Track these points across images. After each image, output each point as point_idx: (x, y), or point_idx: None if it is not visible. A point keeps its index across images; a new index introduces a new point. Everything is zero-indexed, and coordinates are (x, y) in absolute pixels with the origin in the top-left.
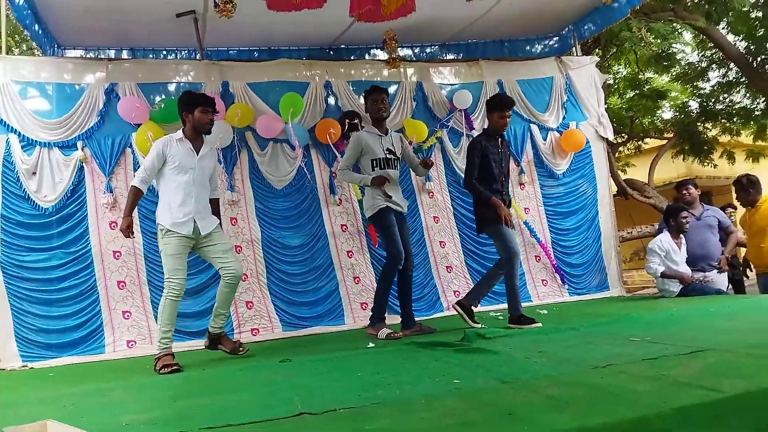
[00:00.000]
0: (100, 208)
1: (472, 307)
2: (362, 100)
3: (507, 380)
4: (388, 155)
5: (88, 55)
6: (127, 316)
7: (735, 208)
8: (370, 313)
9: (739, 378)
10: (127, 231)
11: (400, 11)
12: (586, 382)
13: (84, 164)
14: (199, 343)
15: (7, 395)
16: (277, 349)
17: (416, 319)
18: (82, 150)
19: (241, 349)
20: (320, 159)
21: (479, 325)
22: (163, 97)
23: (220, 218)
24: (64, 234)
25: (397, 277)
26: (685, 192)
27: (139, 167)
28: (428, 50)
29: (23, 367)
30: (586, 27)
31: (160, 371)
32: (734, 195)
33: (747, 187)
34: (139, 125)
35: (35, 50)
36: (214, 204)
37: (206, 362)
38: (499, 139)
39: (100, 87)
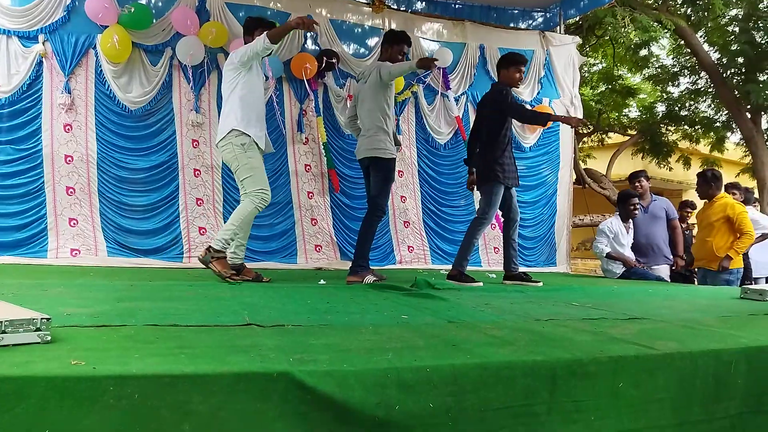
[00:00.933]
0: (56, 107)
1: (518, 271)
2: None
3: (453, 320)
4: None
5: None
6: (74, 223)
7: (694, 207)
8: (325, 258)
9: (671, 341)
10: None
11: None
12: (528, 329)
13: (44, 59)
14: (149, 262)
15: None
16: None
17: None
18: (43, 44)
19: (264, 279)
20: (292, 94)
21: (540, 283)
22: (135, 1)
23: None
24: (15, 129)
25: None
26: (637, 184)
27: (101, 71)
28: (415, 5)
29: None
30: (573, 7)
31: (231, 280)
32: (696, 187)
33: (710, 180)
34: (105, 27)
35: None
36: None
37: (157, 278)
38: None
39: None
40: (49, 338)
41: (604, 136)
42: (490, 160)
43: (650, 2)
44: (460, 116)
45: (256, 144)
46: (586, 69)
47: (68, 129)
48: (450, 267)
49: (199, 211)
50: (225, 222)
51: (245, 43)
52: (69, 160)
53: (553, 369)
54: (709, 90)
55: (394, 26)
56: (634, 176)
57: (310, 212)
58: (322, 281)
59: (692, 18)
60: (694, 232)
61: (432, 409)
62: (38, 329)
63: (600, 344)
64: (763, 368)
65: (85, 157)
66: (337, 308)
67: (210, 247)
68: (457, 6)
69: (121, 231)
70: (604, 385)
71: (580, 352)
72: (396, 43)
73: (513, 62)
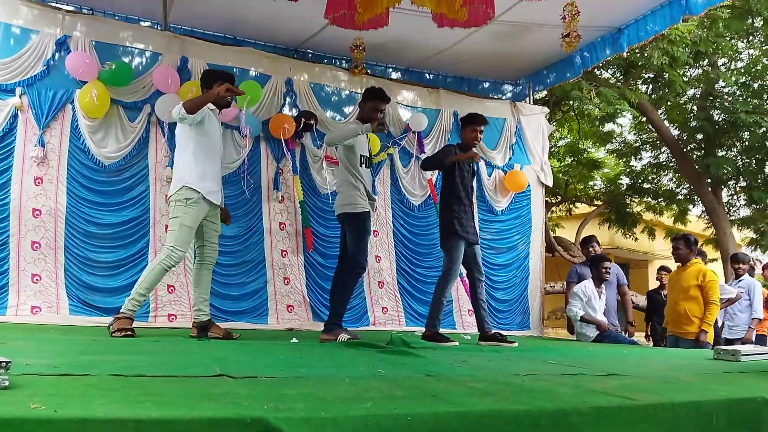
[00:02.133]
0: (28, 160)
1: (493, 332)
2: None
3: (431, 374)
4: (368, 156)
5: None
6: (36, 279)
7: (669, 271)
8: (297, 318)
9: (652, 394)
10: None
11: (373, 22)
12: (508, 382)
13: (19, 112)
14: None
15: None
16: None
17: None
18: (20, 97)
19: (234, 336)
20: (269, 153)
21: (515, 343)
22: (115, 59)
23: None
24: None
25: (334, 279)
26: (590, 249)
27: (77, 125)
28: (392, 75)
29: None
30: (539, 79)
31: (113, 333)
32: (673, 250)
33: (692, 243)
34: (85, 82)
35: None
36: None
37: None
38: (468, 156)
39: (53, 36)
40: (7, 383)
41: (571, 206)
42: (446, 216)
43: (612, 81)
44: (433, 180)
45: (206, 200)
46: (553, 143)
47: (39, 182)
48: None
49: None
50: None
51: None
52: (37, 214)
53: (536, 418)
54: (671, 164)
55: None
56: (587, 242)
57: (283, 271)
58: (294, 339)
59: (653, 95)
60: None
61: None
62: None
63: (582, 396)
64: (744, 421)
65: (54, 210)
66: (311, 362)
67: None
68: (431, 76)
69: (85, 288)
70: None
71: (562, 402)
72: (370, 99)
73: (470, 121)
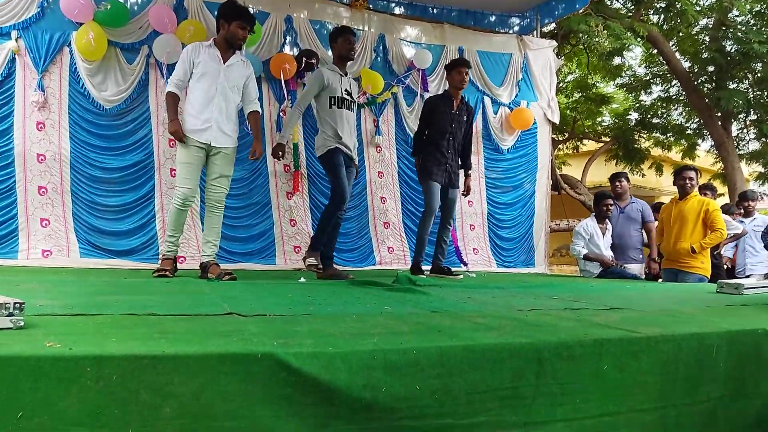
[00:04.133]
0: (29, 105)
1: (441, 267)
2: (321, 40)
3: (436, 311)
4: (345, 96)
5: None
6: (45, 224)
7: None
8: (302, 257)
9: (654, 326)
10: (179, 133)
11: None
12: (512, 317)
13: (16, 56)
14: (122, 263)
15: None
16: None
17: (349, 269)
18: (16, 41)
19: (226, 277)
20: (270, 94)
21: (461, 276)
22: None
23: (258, 132)
24: None
25: None
26: (617, 183)
27: (76, 69)
28: (394, 9)
29: None
30: (549, 12)
31: (153, 275)
32: (684, 180)
33: (697, 176)
34: (81, 24)
35: None
36: (253, 117)
37: (130, 277)
38: (460, 104)
39: None
40: (22, 323)
41: (578, 143)
42: (423, 159)
43: (623, 12)
44: None
45: (192, 137)
46: (560, 78)
47: (41, 127)
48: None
49: None
50: (201, 222)
51: (218, 31)
52: (41, 159)
53: (539, 351)
54: (681, 98)
55: (373, 29)
56: (616, 176)
57: (289, 213)
58: (302, 279)
59: (664, 26)
60: None
61: (419, 391)
62: (11, 314)
63: (584, 329)
64: (744, 352)
65: (58, 156)
66: (319, 301)
67: None
68: (435, 10)
69: (94, 232)
70: (588, 368)
71: (565, 335)
72: (337, 35)
73: (454, 65)
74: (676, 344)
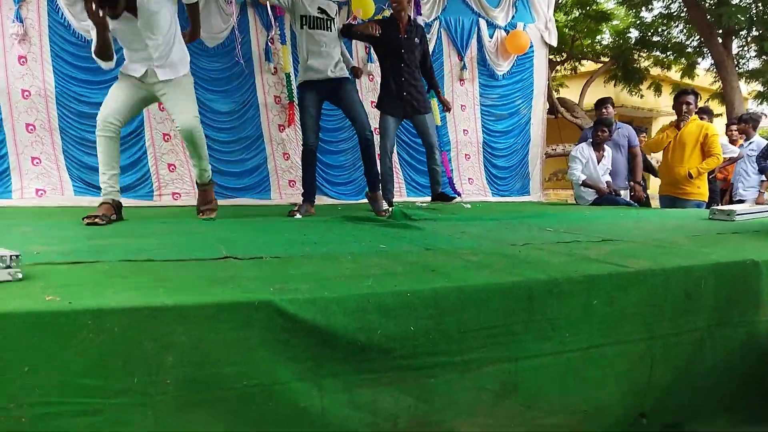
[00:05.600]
0: (8, 39)
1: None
2: None
3: (430, 248)
4: (319, 14)
5: None
6: (37, 162)
7: (646, 132)
8: (300, 192)
9: (643, 259)
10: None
11: None
12: (504, 253)
13: None
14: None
15: None
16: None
17: (343, 202)
18: None
19: (210, 204)
20: (257, 21)
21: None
22: None
23: (196, 24)
24: None
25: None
26: (603, 110)
27: None
28: None
29: None
30: None
31: (83, 219)
32: (682, 105)
33: (696, 100)
34: None
35: None
36: (189, 8)
37: (127, 217)
38: (407, 26)
39: None
40: (20, 276)
41: (577, 64)
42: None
43: None
44: (433, 43)
45: (125, 73)
46: None
47: (23, 61)
48: (423, 199)
49: (167, 147)
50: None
51: None
52: (26, 95)
53: (529, 289)
54: (682, 14)
55: None
56: (601, 103)
57: (282, 146)
58: (297, 215)
59: None
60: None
61: (413, 332)
62: (8, 267)
63: (574, 264)
64: (731, 283)
65: (43, 91)
66: (315, 240)
67: None
68: None
69: (86, 169)
70: (578, 304)
71: (555, 272)
72: None
73: None
74: (664, 277)
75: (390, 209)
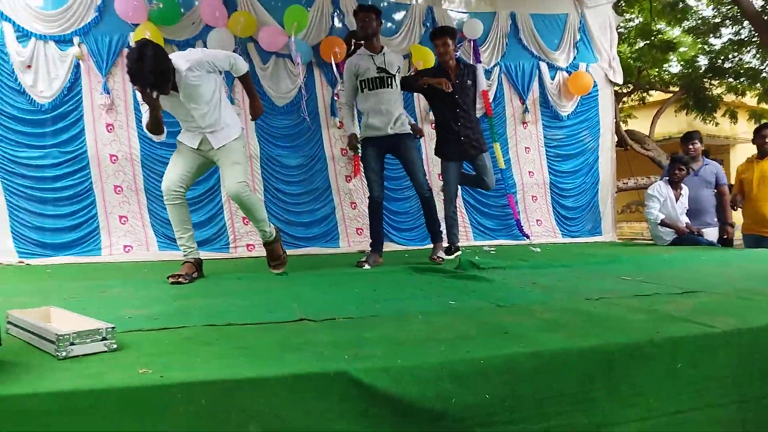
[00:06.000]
0: (97, 108)
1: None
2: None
3: (501, 304)
4: (379, 74)
5: None
6: (124, 221)
7: (723, 164)
8: (368, 239)
9: (730, 316)
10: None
11: None
12: (579, 310)
13: (80, 61)
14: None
15: (5, 286)
16: None
17: (411, 248)
18: (79, 46)
19: (279, 259)
20: (323, 78)
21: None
22: None
23: (251, 91)
24: (59, 133)
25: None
26: (690, 146)
27: None
28: None
29: (20, 262)
30: None
31: (168, 278)
32: (762, 139)
33: None
34: (137, 25)
35: None
36: (242, 79)
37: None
38: (457, 69)
39: None
40: (115, 347)
41: (644, 94)
42: (436, 139)
43: None
44: (494, 89)
45: (182, 142)
46: (622, 25)
47: (110, 129)
48: (492, 242)
49: None
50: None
51: None
52: (114, 160)
53: (609, 354)
54: (754, 39)
55: (421, 1)
56: (688, 138)
57: (349, 196)
58: (366, 266)
59: None
60: None
61: (488, 399)
62: (104, 338)
63: (656, 324)
64: None
65: (129, 155)
66: (385, 296)
67: None
68: None
69: (169, 225)
70: (662, 367)
71: (635, 334)
72: (355, 16)
73: (431, 38)
74: (752, 337)
75: (444, 258)
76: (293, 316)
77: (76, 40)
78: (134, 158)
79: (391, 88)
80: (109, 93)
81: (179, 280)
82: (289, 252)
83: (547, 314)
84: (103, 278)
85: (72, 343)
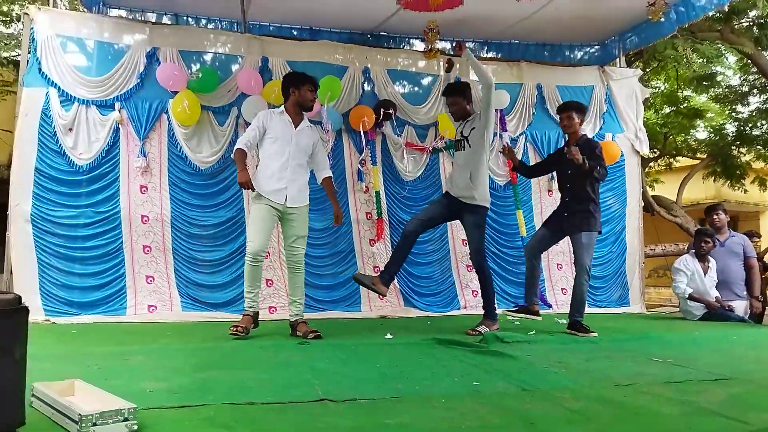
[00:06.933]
0: (133, 171)
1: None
2: (397, 88)
3: (527, 388)
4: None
5: (130, 16)
6: (150, 281)
7: (759, 236)
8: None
9: (765, 412)
10: (248, 183)
11: (447, 3)
12: (608, 399)
13: (120, 125)
14: (220, 315)
15: (32, 348)
16: None
17: (433, 314)
18: (119, 111)
19: (311, 335)
20: (351, 145)
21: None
22: (200, 66)
23: (334, 197)
24: (95, 193)
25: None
26: (715, 217)
27: (173, 134)
28: (468, 46)
29: (46, 321)
30: (630, 39)
31: (229, 331)
32: None
33: None
34: (176, 93)
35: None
36: (327, 183)
37: (229, 336)
38: (576, 144)
39: (142, 50)
40: (135, 428)
41: (671, 160)
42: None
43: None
44: (519, 156)
45: (266, 198)
46: (651, 90)
47: (144, 190)
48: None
49: (266, 263)
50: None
51: (286, 99)
52: (145, 220)
53: None
54: None
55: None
56: (712, 209)
57: (372, 260)
58: (388, 335)
59: (761, 38)
60: None
61: None
62: (126, 419)
63: (687, 418)
64: None
65: (160, 216)
66: (407, 374)
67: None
68: (510, 43)
69: (193, 286)
70: None
71: (666, 430)
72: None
73: (557, 112)
74: None
75: (482, 331)
76: (314, 395)
77: (117, 105)
78: (164, 219)
79: (460, 151)
80: (145, 156)
81: (237, 331)
82: (309, 315)
83: (575, 403)
84: (127, 342)
85: (95, 424)
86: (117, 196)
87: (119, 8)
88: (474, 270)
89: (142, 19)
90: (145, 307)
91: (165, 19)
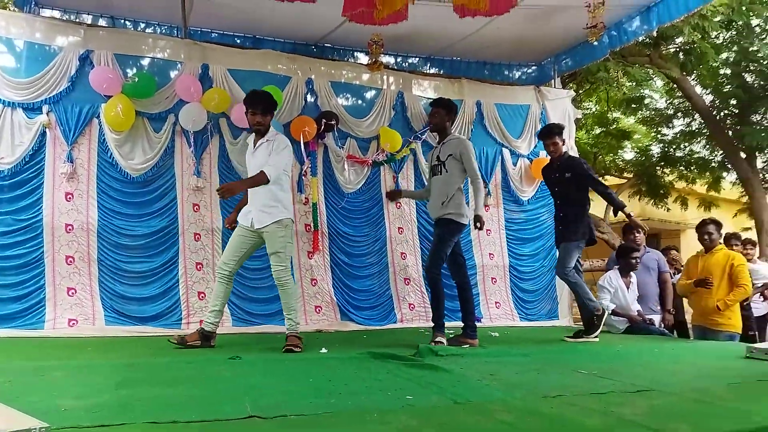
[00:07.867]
0: (58, 177)
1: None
2: (340, 100)
3: (459, 401)
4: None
5: (64, 17)
6: (72, 293)
7: (678, 250)
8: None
9: (684, 422)
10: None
11: (392, 18)
12: (537, 411)
13: (47, 130)
14: (148, 330)
15: None
16: (226, 345)
17: (368, 327)
18: (47, 114)
19: (285, 347)
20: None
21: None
22: (137, 70)
23: (246, 180)
24: (16, 200)
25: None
26: (633, 235)
27: (104, 139)
28: (410, 61)
29: None
30: (565, 61)
31: (171, 340)
32: (704, 235)
33: (721, 227)
34: (109, 97)
35: (8, 4)
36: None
37: (156, 351)
38: (558, 165)
39: (75, 52)
40: None
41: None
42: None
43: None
44: None
45: (241, 223)
46: (582, 112)
47: (69, 198)
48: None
49: (199, 275)
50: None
51: (258, 117)
52: (69, 229)
53: None
54: (704, 131)
55: (393, 87)
56: (629, 229)
57: (310, 272)
58: (323, 350)
59: (687, 63)
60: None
61: None
62: None
63: (611, 430)
64: None
65: (86, 225)
66: (339, 388)
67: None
68: (452, 60)
69: (119, 298)
70: None
71: None
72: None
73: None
74: None
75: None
76: (242, 412)
77: (44, 108)
78: (91, 228)
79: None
80: (72, 162)
81: (175, 341)
82: (242, 329)
83: (507, 416)
84: (44, 358)
85: None
86: (40, 204)
87: (53, 8)
88: (418, 283)
89: (77, 20)
90: (65, 321)
91: (101, 22)
